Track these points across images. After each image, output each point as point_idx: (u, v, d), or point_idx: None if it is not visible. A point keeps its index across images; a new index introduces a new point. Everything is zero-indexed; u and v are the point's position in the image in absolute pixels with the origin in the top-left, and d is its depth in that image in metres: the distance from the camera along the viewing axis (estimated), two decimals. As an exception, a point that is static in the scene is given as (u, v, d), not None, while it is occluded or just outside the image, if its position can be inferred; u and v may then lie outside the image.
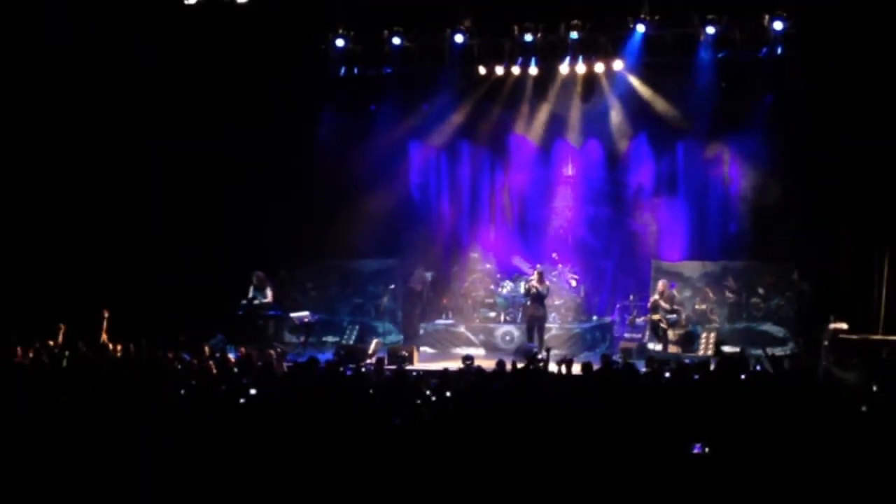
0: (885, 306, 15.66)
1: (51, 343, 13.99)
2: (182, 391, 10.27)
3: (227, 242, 18.69)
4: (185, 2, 18.20)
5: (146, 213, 18.76)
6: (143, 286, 17.81)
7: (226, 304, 18.15)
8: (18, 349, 12.78)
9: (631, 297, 19.30)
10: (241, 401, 9.71)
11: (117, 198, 18.54)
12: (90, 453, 7.11)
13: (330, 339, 18.99)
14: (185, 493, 6.41)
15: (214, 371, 12.39)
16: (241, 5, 18.06)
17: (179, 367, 12.44)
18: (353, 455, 6.94)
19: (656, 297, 17.90)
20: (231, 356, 13.79)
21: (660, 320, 17.66)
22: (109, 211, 18.45)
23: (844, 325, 15.56)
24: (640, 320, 18.65)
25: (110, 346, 14.20)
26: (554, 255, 19.63)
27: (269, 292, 18.25)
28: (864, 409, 8.73)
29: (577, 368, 12.58)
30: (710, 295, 18.49)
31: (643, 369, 13.15)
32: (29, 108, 17.78)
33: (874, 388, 9.94)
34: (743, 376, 11.49)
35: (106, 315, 15.09)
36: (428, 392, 10.75)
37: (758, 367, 12.82)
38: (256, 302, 18.08)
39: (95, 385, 10.44)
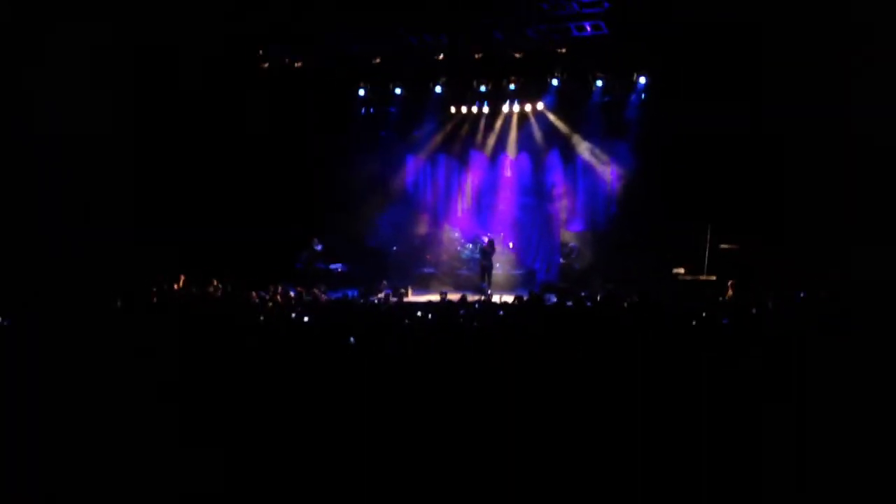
0: (707, 259, 15.80)
1: (175, 286, 13.98)
2: (260, 316, 10.30)
3: (289, 221, 18.31)
4: (262, 66, 18.16)
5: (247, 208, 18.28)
6: (238, 252, 16.49)
7: (287, 260, 17.70)
8: (153, 289, 12.82)
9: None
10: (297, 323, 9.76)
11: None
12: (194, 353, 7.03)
13: (354, 281, 18.82)
14: (270, 379, 6.31)
15: (281, 303, 12.42)
16: (300, 69, 18.11)
17: (257, 300, 12.46)
18: (371, 352, 6.99)
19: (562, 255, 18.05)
20: (291, 293, 13.79)
21: (566, 266, 17.77)
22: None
23: (682, 270, 15.84)
24: (552, 268, 18.72)
25: (212, 288, 14.16)
26: (500, 235, 19.49)
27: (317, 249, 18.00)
28: (693, 323, 8.89)
29: (510, 298, 12.66)
30: (598, 252, 18.44)
31: (554, 299, 13.24)
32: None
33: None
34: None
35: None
36: (418, 313, 10.82)
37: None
38: (307, 258, 17.88)
39: (204, 310, 10.47)
